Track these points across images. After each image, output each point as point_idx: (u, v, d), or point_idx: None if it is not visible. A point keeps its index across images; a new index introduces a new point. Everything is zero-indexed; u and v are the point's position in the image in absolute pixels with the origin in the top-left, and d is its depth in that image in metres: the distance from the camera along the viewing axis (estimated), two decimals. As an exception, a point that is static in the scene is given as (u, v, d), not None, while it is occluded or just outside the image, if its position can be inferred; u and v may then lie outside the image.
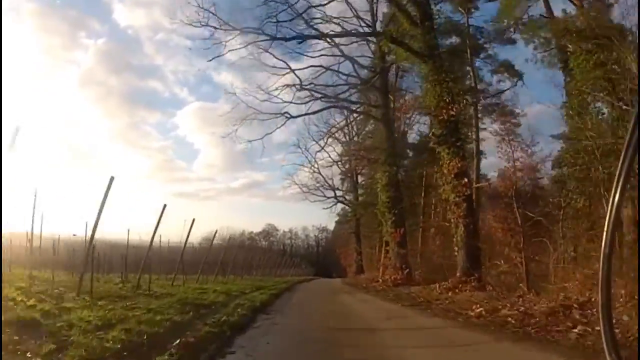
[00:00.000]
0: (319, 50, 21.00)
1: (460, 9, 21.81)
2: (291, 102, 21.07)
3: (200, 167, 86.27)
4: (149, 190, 67.64)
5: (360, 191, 36.41)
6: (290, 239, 72.69)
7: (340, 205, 41.46)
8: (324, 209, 35.77)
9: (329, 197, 35.41)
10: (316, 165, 36.58)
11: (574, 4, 15.04)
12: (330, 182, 35.86)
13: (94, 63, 70.74)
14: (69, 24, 68.54)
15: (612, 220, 0.86)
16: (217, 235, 33.47)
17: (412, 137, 28.79)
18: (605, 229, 0.89)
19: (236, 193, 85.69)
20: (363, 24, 20.46)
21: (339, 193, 35.91)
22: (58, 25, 65.15)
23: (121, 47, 69.73)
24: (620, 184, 0.82)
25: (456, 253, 13.40)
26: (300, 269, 51.88)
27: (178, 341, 4.64)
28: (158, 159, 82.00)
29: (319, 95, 21.36)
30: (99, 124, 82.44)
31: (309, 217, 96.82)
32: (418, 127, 28.23)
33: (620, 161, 0.82)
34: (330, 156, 34.40)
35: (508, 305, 7.90)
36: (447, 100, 13.57)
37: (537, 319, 6.44)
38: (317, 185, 35.51)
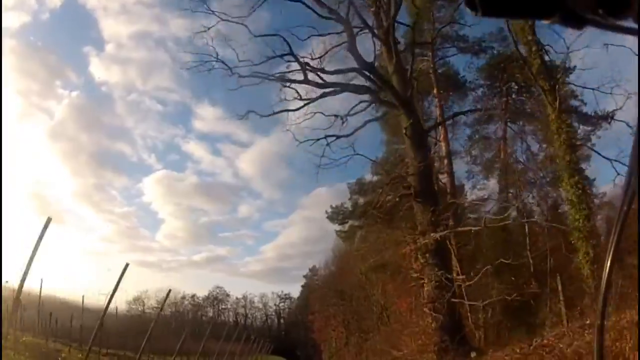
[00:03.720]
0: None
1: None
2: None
3: (163, 238, 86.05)
4: (110, 255, 62.12)
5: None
6: (245, 307, 60.75)
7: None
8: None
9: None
10: None
11: None
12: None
13: (67, 116, 69.24)
14: (47, 69, 67.66)
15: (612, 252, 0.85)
16: (152, 298, 24.22)
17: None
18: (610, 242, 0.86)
19: (199, 267, 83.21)
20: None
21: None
22: (37, 69, 64.62)
23: (94, 103, 69.58)
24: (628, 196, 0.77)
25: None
26: (254, 344, 39.47)
27: None
28: (121, 225, 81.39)
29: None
30: (65, 180, 79.63)
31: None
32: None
33: (628, 171, 0.80)
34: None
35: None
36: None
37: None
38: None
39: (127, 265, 9.30)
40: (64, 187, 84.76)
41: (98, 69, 68.88)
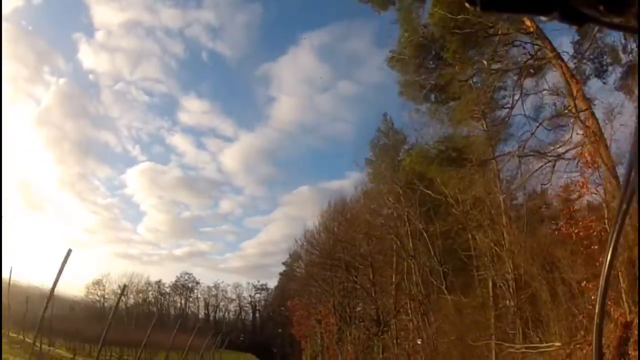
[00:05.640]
0: None
1: None
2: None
3: (145, 230, 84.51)
4: (91, 245, 62.74)
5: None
6: (216, 296, 56.31)
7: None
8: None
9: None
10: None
11: None
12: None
13: (53, 103, 66.91)
14: (36, 55, 65.64)
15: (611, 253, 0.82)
16: (114, 284, 20.67)
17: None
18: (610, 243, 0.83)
19: (180, 260, 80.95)
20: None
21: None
22: (26, 54, 62.28)
23: (81, 91, 68.05)
24: (624, 202, 0.75)
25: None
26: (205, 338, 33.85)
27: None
28: (104, 216, 80.00)
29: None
30: (49, 167, 76.12)
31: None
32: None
33: (625, 176, 0.77)
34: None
35: None
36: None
37: None
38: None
39: (69, 250, 9.97)
40: (47, 174, 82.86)
41: (87, 56, 70.06)
